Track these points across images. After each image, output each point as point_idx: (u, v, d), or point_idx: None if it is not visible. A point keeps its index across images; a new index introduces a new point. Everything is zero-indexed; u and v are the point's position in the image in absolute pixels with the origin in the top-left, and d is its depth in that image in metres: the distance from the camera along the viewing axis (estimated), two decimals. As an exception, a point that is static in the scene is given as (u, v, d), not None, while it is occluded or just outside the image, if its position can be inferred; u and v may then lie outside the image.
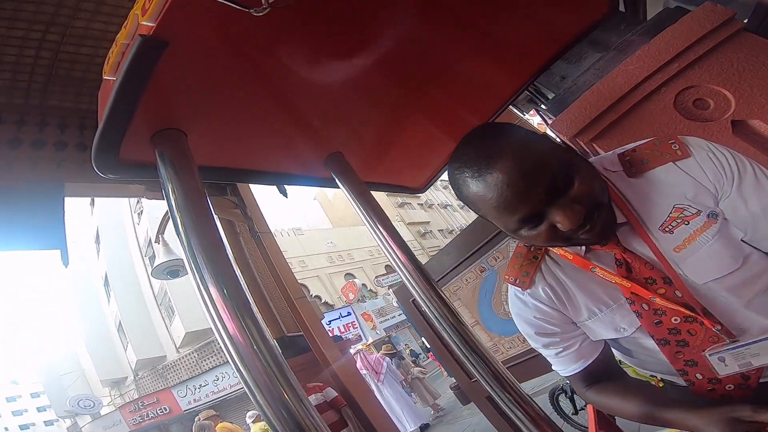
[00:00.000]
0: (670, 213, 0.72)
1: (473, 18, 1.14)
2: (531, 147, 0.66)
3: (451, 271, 2.87)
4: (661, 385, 0.87)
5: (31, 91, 3.42)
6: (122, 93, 0.74)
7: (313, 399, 3.78)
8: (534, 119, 4.71)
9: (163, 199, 0.80)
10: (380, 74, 1.10)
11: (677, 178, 0.73)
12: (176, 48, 0.72)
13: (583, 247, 0.77)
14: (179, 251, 0.67)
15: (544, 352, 0.87)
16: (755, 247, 0.71)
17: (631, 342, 0.80)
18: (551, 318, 0.83)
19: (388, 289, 19.63)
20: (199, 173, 1.05)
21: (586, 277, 0.79)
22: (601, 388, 0.83)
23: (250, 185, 5.31)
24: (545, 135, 0.72)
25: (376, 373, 7.24)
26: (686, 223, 0.71)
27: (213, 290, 0.63)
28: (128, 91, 0.74)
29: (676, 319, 0.72)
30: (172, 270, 5.26)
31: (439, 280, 2.90)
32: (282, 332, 4.21)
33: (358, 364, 7.12)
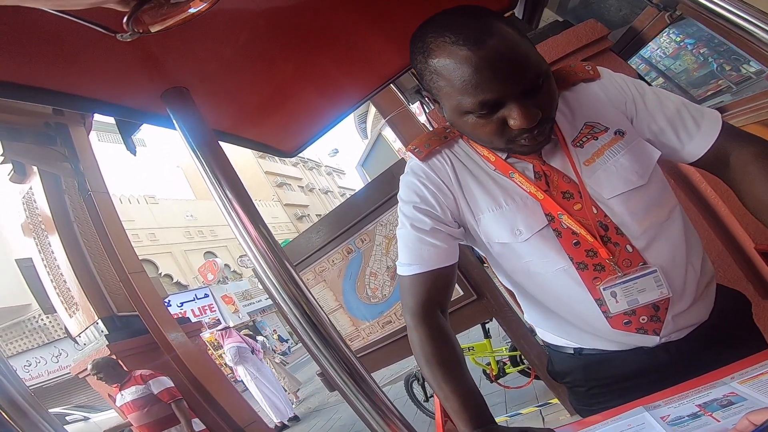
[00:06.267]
0: (581, 129, 0.76)
1: None
2: (526, 42, 0.65)
3: (318, 250, 2.74)
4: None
5: None
6: None
7: (131, 392, 3.25)
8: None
9: None
10: (255, 20, 0.90)
11: (587, 97, 0.78)
12: None
13: (506, 153, 0.77)
14: None
15: (408, 234, 0.78)
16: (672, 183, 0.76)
17: (524, 252, 0.76)
18: (440, 194, 0.79)
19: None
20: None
21: (499, 179, 0.78)
22: (439, 325, 0.75)
23: (90, 137, 4.43)
24: None
25: (254, 349, 6.77)
26: (595, 138, 0.75)
27: None
28: None
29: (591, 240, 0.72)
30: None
31: (307, 258, 2.79)
32: (111, 311, 3.57)
33: (233, 339, 6.56)
